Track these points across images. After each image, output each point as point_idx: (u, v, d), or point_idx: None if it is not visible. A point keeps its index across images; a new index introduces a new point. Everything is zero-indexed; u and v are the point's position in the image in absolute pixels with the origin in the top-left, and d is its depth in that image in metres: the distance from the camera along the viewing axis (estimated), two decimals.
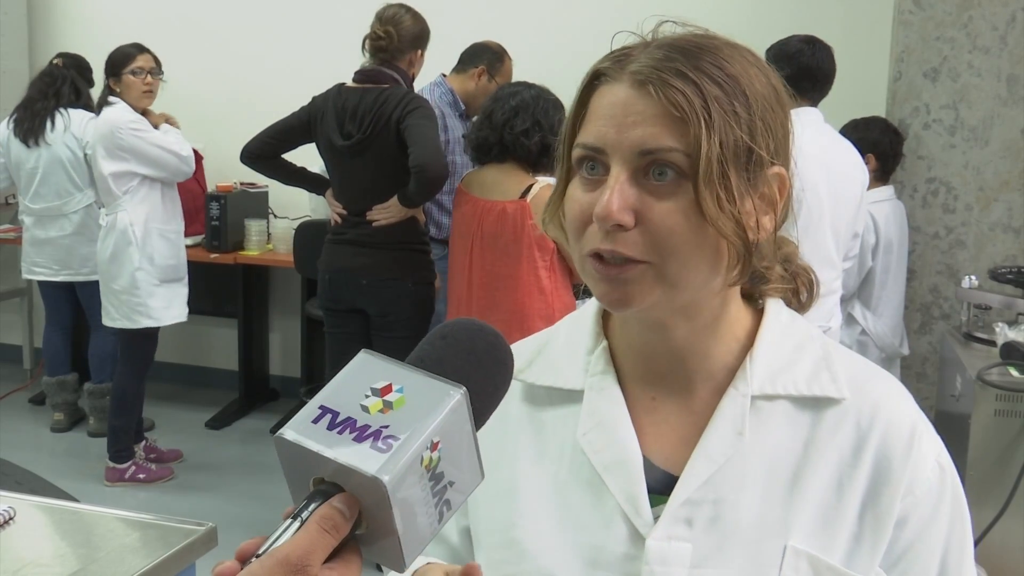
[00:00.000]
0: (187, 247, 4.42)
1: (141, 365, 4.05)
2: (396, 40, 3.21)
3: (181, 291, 4.05)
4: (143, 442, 4.20)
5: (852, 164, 2.89)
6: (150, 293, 3.92)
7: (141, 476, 4.06)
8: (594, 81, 0.83)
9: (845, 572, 0.81)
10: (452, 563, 0.92)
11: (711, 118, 0.76)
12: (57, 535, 1.62)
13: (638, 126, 0.78)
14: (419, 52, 3.32)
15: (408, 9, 3.29)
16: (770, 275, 0.88)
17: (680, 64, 0.78)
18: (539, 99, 2.92)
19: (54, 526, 1.64)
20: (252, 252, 4.75)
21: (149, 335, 4.03)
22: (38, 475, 2.43)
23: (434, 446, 0.62)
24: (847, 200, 2.83)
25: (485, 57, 3.88)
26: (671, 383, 0.88)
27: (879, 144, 3.56)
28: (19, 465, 2.49)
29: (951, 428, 3.11)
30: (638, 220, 0.78)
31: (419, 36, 3.29)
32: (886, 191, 3.59)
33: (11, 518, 1.58)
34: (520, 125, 2.88)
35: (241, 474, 4.21)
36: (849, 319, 3.57)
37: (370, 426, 0.62)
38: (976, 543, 2.76)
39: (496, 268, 2.96)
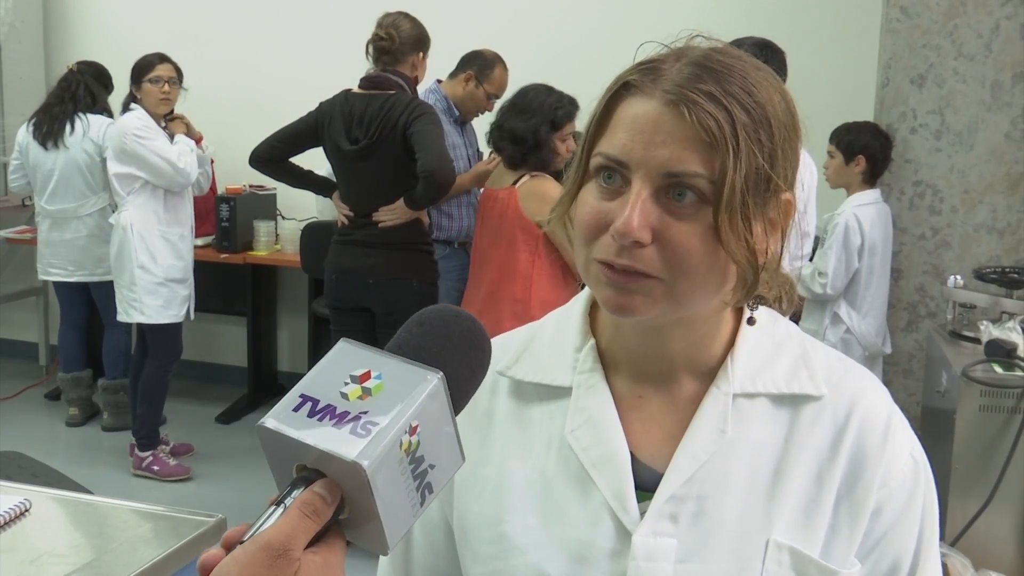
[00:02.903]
0: (198, 247, 4.49)
1: (163, 360, 4.15)
2: (397, 42, 3.27)
3: (182, 292, 4.11)
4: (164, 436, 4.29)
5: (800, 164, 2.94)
6: (148, 291, 4.02)
7: (155, 468, 4.15)
8: (621, 91, 0.82)
9: (824, 565, 0.83)
10: (440, 554, 0.96)
11: (739, 146, 0.76)
12: (72, 526, 1.64)
13: (667, 146, 0.77)
14: (420, 55, 3.37)
15: (406, 15, 3.35)
16: (763, 291, 0.88)
17: (712, 86, 0.77)
18: (539, 107, 3.07)
19: (69, 517, 1.66)
20: (260, 252, 4.83)
21: (165, 331, 4.12)
22: (53, 468, 2.48)
23: (413, 430, 0.63)
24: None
25: (475, 63, 3.90)
26: (658, 382, 0.88)
27: (869, 147, 3.61)
28: (35, 458, 2.55)
29: (937, 423, 3.14)
30: (655, 237, 0.78)
31: (419, 39, 3.34)
32: (872, 194, 3.64)
33: (27, 510, 1.60)
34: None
35: (249, 467, 4.25)
36: (835, 318, 3.64)
37: (349, 412, 0.62)
38: (961, 534, 2.86)
39: (487, 250, 3.13)
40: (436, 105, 3.78)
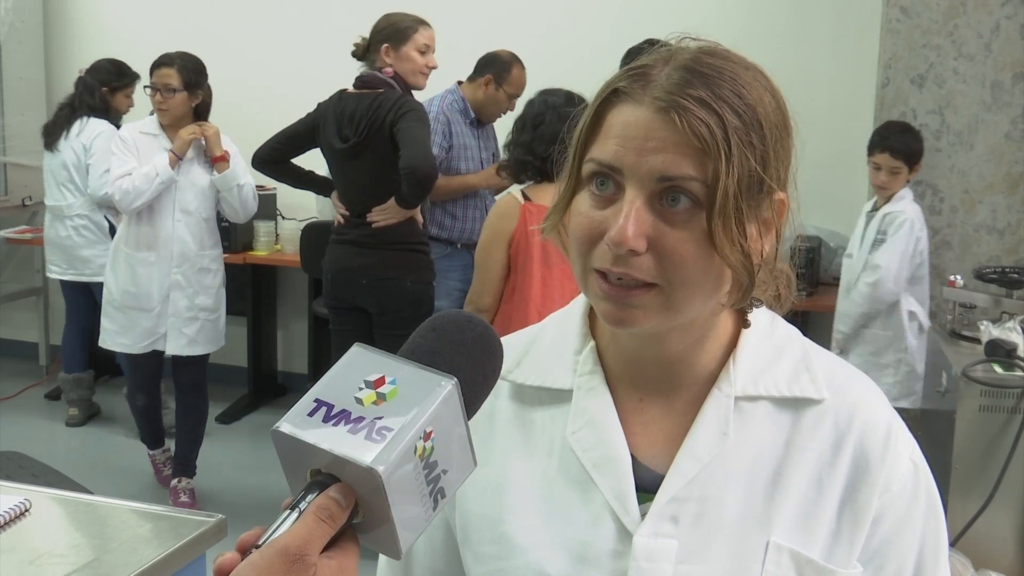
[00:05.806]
0: None
1: (128, 380, 4.00)
2: (367, 43, 3.33)
3: (144, 323, 3.74)
4: (162, 448, 4.12)
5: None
6: (105, 312, 3.83)
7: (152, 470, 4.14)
8: (611, 97, 0.81)
9: (824, 566, 0.83)
10: (440, 554, 0.96)
11: (731, 151, 0.76)
12: (72, 526, 1.64)
13: (659, 152, 0.77)
14: (386, 47, 3.28)
15: (386, 15, 3.37)
16: (759, 292, 0.88)
17: (702, 91, 0.77)
18: (545, 112, 2.69)
19: (69, 517, 1.66)
20: (261, 252, 4.86)
21: (124, 356, 3.91)
22: (53, 468, 2.49)
23: (427, 436, 0.63)
24: None
25: (493, 67, 3.97)
26: (658, 385, 0.89)
27: (921, 152, 3.50)
28: (35, 458, 2.56)
29: (937, 423, 3.14)
30: (650, 245, 0.78)
31: (382, 32, 3.31)
32: (911, 191, 3.54)
33: (27, 510, 1.59)
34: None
35: (250, 467, 4.27)
36: (911, 316, 3.53)
37: (364, 418, 0.63)
38: (961, 534, 2.85)
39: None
40: (452, 106, 3.87)
